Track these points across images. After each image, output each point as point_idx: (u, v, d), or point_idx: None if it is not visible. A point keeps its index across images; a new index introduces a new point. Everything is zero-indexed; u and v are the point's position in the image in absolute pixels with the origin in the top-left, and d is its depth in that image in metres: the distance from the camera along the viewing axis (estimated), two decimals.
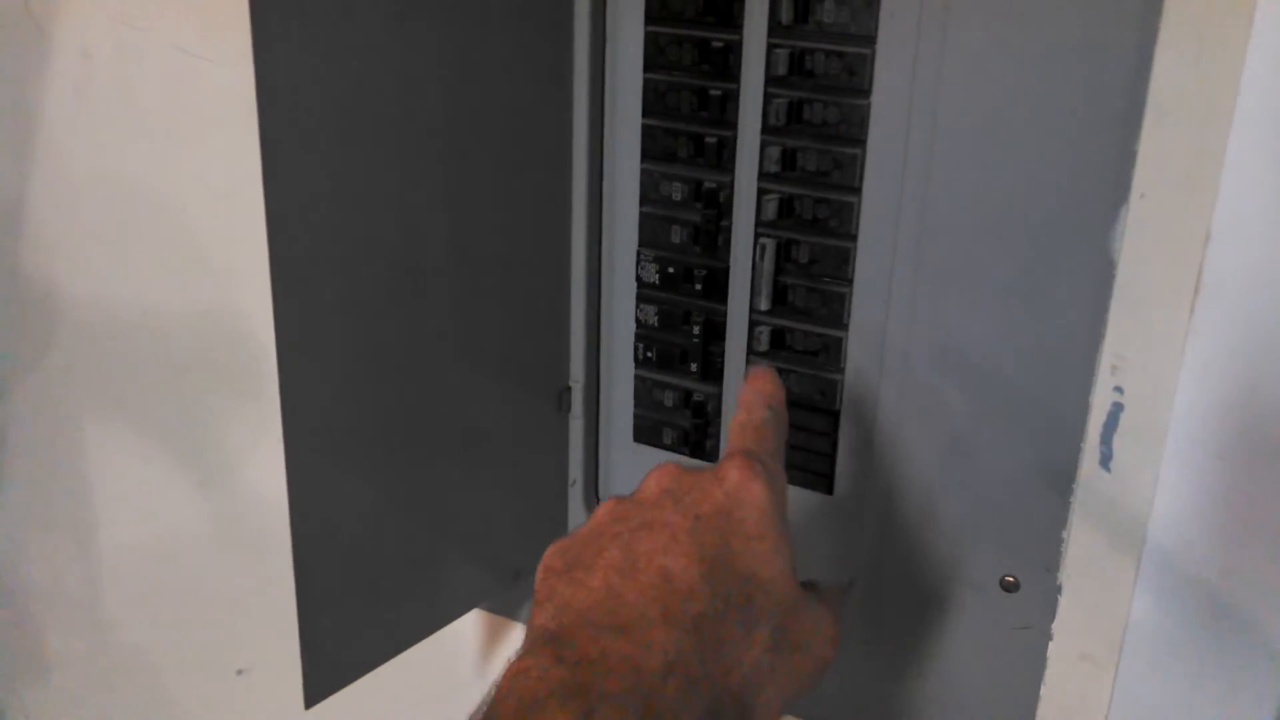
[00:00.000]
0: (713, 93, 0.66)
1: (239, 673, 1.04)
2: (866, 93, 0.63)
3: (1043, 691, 0.67)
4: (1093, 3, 0.56)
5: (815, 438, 0.70)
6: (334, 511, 0.64)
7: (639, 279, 0.72)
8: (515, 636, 0.86)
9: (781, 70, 0.64)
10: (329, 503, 0.64)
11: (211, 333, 0.92)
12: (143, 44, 0.86)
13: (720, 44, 0.65)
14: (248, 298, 0.87)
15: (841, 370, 0.68)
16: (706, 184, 0.68)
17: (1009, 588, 0.66)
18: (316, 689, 0.65)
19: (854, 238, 0.65)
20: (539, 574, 0.51)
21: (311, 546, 0.63)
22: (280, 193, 0.56)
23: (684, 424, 0.74)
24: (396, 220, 0.63)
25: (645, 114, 0.69)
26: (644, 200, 0.71)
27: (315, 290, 0.60)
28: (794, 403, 0.70)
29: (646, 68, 0.68)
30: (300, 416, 0.60)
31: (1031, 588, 0.65)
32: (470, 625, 0.87)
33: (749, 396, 0.58)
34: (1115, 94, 0.56)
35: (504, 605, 0.84)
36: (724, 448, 0.73)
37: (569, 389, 0.76)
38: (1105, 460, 0.61)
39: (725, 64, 0.66)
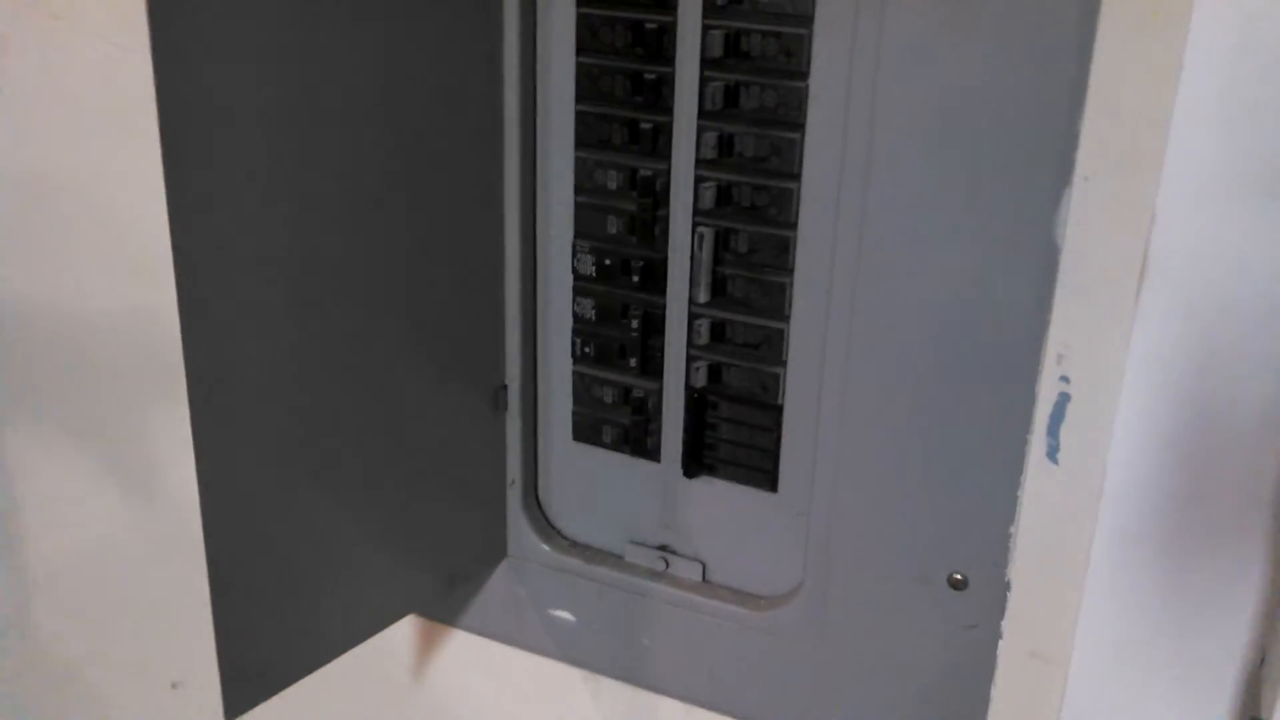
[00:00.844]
0: (647, 77, 0.64)
1: (174, 685, 1.01)
2: (804, 75, 0.61)
3: (994, 690, 0.65)
4: None
5: (758, 433, 0.68)
6: (252, 517, 0.61)
7: (575, 271, 0.70)
8: (449, 643, 0.84)
9: (717, 52, 0.62)
10: (246, 509, 0.61)
11: (138, 333, 0.89)
12: (62, 33, 0.83)
13: (654, 25, 0.63)
14: (169, 296, 0.84)
15: (784, 363, 0.66)
16: (642, 172, 0.66)
17: (957, 585, 0.64)
18: (238, 701, 0.62)
19: (794, 226, 0.63)
20: None
21: (227, 554, 0.60)
22: (183, 185, 0.54)
23: (624, 421, 0.72)
24: (319, 214, 0.60)
25: (579, 99, 0.67)
26: (579, 189, 0.69)
27: (227, 288, 0.57)
28: (736, 397, 0.68)
29: (579, 51, 0.66)
30: (213, 420, 0.58)
31: (980, 585, 0.63)
32: (406, 632, 0.85)
33: None
34: (1058, 75, 0.54)
35: (440, 611, 0.81)
36: (665, 445, 0.71)
37: (505, 387, 0.74)
38: (1052, 452, 0.60)
39: (660, 47, 0.64)
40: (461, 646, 0.83)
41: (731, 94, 0.63)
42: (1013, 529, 0.61)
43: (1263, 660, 0.56)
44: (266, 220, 0.58)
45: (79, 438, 0.97)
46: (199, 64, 0.53)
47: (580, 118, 0.67)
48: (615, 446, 0.73)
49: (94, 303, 0.90)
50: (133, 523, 0.96)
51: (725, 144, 0.64)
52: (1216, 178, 0.52)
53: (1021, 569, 0.62)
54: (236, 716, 0.62)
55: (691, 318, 0.68)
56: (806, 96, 0.61)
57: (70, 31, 0.82)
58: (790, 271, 0.64)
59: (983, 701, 0.65)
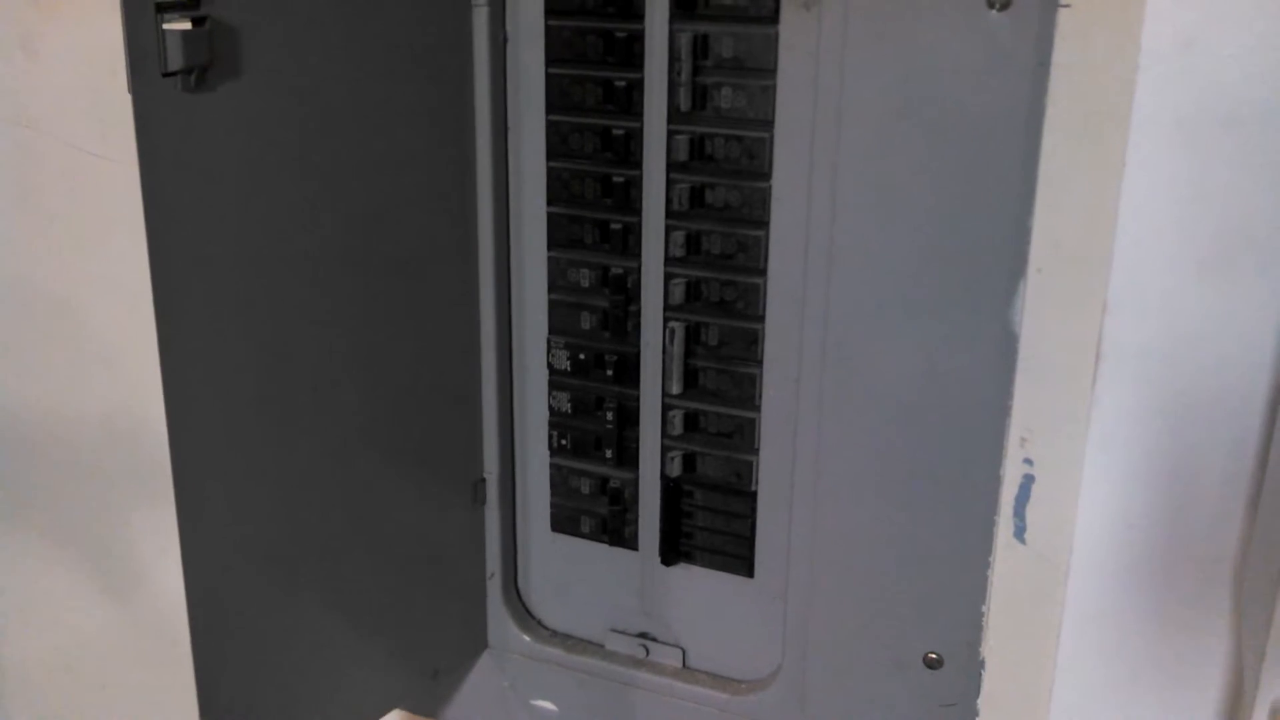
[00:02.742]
0: (616, 179, 0.67)
1: None
2: (767, 175, 0.63)
3: None
4: (983, 83, 0.57)
5: (734, 520, 0.70)
6: (237, 617, 0.62)
7: (550, 366, 0.72)
8: None
9: (683, 156, 0.64)
10: (230, 609, 0.61)
11: (116, 435, 0.90)
12: (37, 142, 0.84)
13: (621, 131, 0.66)
14: (150, 399, 0.85)
15: (756, 451, 0.68)
16: (613, 270, 0.68)
17: (933, 664, 0.65)
18: None
19: (761, 319, 0.65)
20: None
21: (212, 653, 0.60)
22: (169, 289, 0.55)
23: (601, 511, 0.73)
24: (298, 316, 0.62)
25: (550, 201, 0.69)
26: (552, 287, 0.70)
27: (213, 390, 0.59)
28: (710, 485, 0.70)
29: (549, 156, 0.68)
30: (197, 520, 0.59)
31: (956, 664, 0.65)
32: None
33: None
34: (1009, 170, 0.57)
35: (424, 704, 0.82)
36: (642, 533, 0.72)
37: (483, 480, 0.75)
38: (1019, 532, 0.61)
39: (627, 151, 0.66)
40: None
41: (697, 194, 0.65)
42: (985, 608, 0.63)
43: None
44: (246, 327, 0.59)
45: (61, 538, 0.97)
46: (182, 177, 0.55)
47: (552, 219, 0.69)
48: (594, 536, 0.74)
49: (75, 404, 0.91)
50: (112, 624, 0.96)
51: (693, 242, 0.66)
52: (1166, 261, 0.54)
53: (995, 647, 0.63)
54: None
55: (665, 409, 0.70)
56: (770, 195, 0.63)
57: (47, 142, 0.83)
58: (759, 362, 0.66)
59: None
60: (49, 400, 0.92)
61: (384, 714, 0.74)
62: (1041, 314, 0.57)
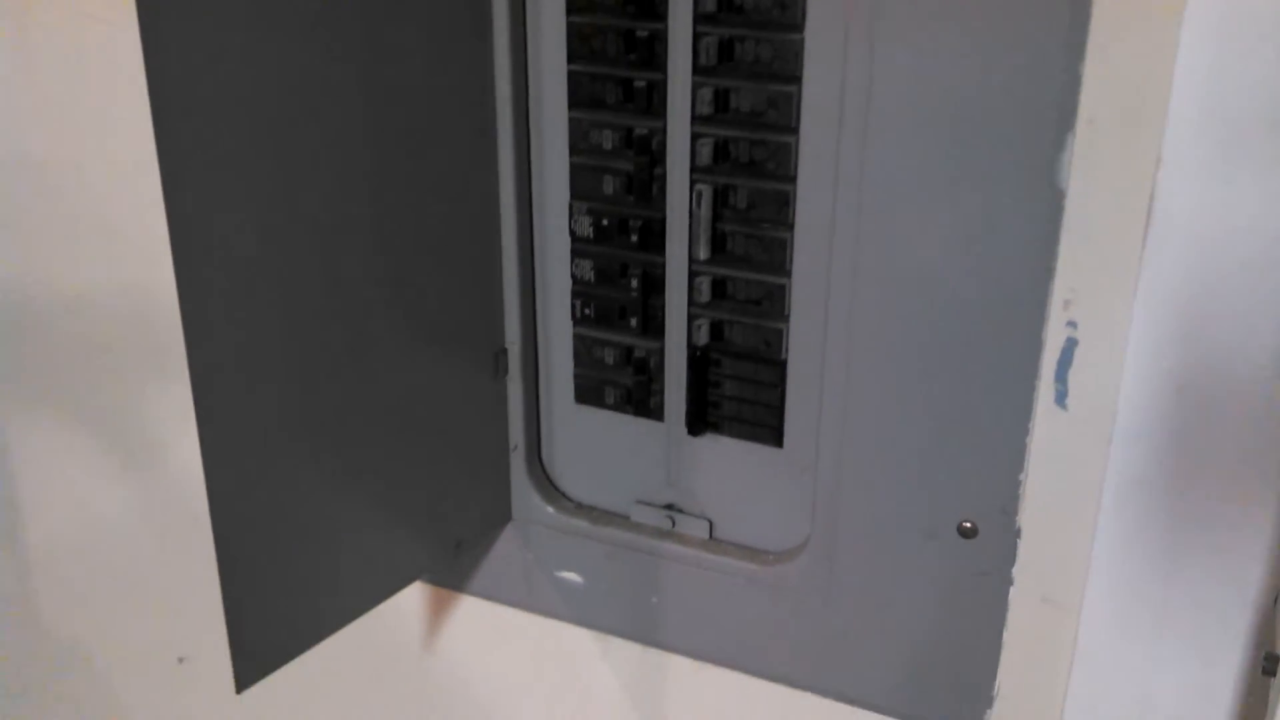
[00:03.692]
0: (640, 34, 0.63)
1: (180, 661, 1.01)
2: (799, 27, 0.60)
3: (1005, 637, 0.65)
4: None
5: (763, 389, 0.68)
6: (256, 490, 0.61)
7: (573, 233, 0.69)
8: (458, 608, 0.84)
9: (710, 7, 0.61)
10: (250, 482, 0.60)
11: (130, 311, 0.88)
12: (44, 11, 0.81)
13: None
14: (164, 272, 0.83)
15: (786, 318, 0.66)
16: (638, 130, 0.65)
17: (967, 533, 0.64)
18: (248, 673, 0.62)
19: (793, 180, 0.63)
20: None
21: (233, 528, 0.59)
22: (176, 160, 0.53)
23: (626, 382, 0.72)
24: (314, 184, 0.59)
25: (571, 59, 0.66)
26: (574, 150, 0.68)
27: (223, 263, 0.57)
28: (739, 354, 0.68)
29: (570, 11, 0.65)
30: (215, 395, 0.57)
31: (990, 532, 0.63)
32: (413, 598, 0.84)
33: None
34: (1060, 16, 0.54)
35: (447, 577, 0.81)
36: (668, 404, 0.71)
37: (505, 351, 0.73)
38: (1061, 398, 0.60)
39: (651, 4, 0.63)
40: (469, 611, 0.83)
41: (726, 48, 0.62)
42: (1022, 475, 0.61)
43: (1277, 599, 0.56)
44: (260, 193, 0.57)
45: (77, 417, 0.96)
46: (189, 39, 0.52)
47: (573, 78, 0.66)
48: (618, 407, 0.73)
49: (89, 281, 0.89)
50: (134, 500, 0.96)
51: (721, 99, 0.63)
52: (1223, 118, 0.51)
53: (1032, 515, 0.62)
54: (246, 688, 0.62)
55: (692, 276, 0.67)
56: (802, 48, 0.60)
57: (55, 10, 0.80)
58: (790, 226, 0.64)
59: (994, 649, 0.66)
60: (57, 276, 0.90)
61: (406, 585, 0.73)
62: (1091, 169, 0.55)
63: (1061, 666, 0.64)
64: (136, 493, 0.96)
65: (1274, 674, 0.52)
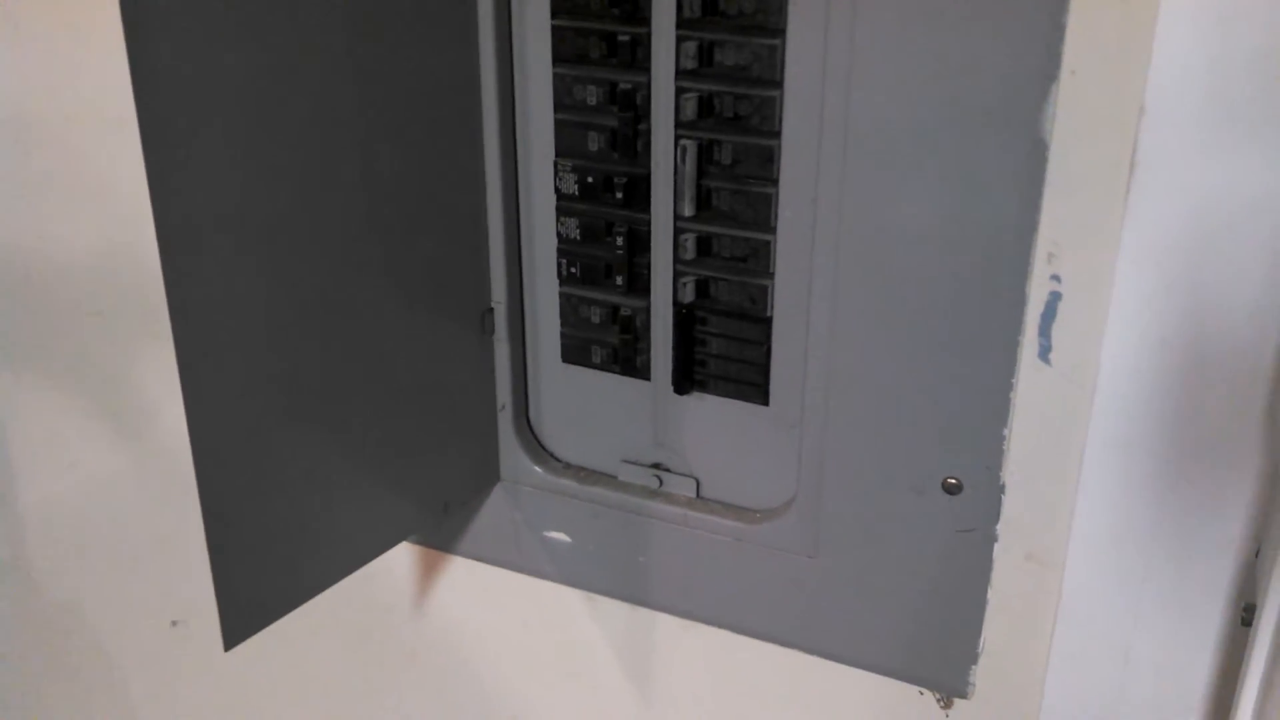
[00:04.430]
0: None
1: (174, 624, 1.01)
2: None
3: (989, 594, 0.65)
4: None
5: (748, 347, 0.68)
6: (243, 449, 0.61)
7: (558, 190, 0.69)
8: (446, 569, 0.84)
9: None
10: (236, 441, 0.60)
11: (118, 271, 0.88)
12: None
13: None
14: (145, 231, 0.83)
15: (771, 275, 0.66)
16: (622, 85, 0.65)
17: (952, 490, 0.64)
18: (236, 630, 0.62)
19: (777, 135, 0.62)
20: None
21: (219, 485, 0.59)
22: (158, 113, 0.52)
23: (613, 341, 0.71)
24: (297, 143, 0.59)
25: (554, 14, 0.65)
26: (558, 106, 0.67)
27: (206, 221, 0.56)
28: (724, 311, 0.68)
29: None
30: (199, 355, 0.57)
31: (975, 488, 0.63)
32: (401, 558, 0.85)
33: None
34: None
35: (434, 538, 0.81)
36: (655, 363, 0.71)
37: (491, 310, 0.73)
38: (1044, 353, 0.59)
39: None
40: (457, 571, 0.83)
41: (710, 3, 0.61)
42: (1006, 431, 0.61)
43: (1258, 552, 0.56)
44: (243, 152, 0.57)
45: (68, 379, 0.96)
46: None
47: (557, 32, 0.66)
48: (605, 366, 0.72)
49: (79, 243, 0.89)
50: (125, 462, 0.96)
51: (705, 54, 0.62)
52: (1205, 67, 0.51)
53: (1015, 471, 0.62)
54: (234, 645, 0.62)
55: (677, 233, 0.67)
56: (787, 1, 0.60)
57: None
58: (775, 182, 0.64)
59: (979, 605, 0.66)
60: (46, 238, 0.90)
61: (393, 545, 0.73)
62: (1074, 120, 0.54)
63: (1045, 622, 0.64)
64: (128, 455, 0.96)
65: (1251, 624, 0.52)
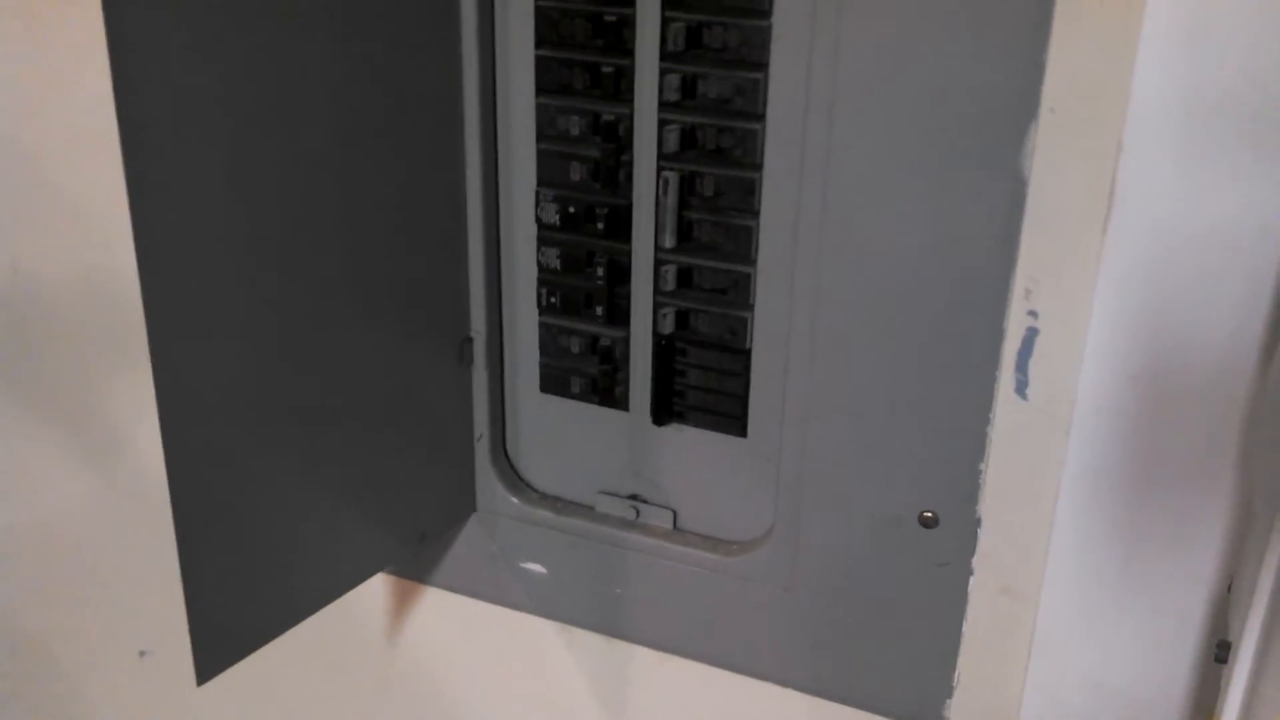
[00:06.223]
0: (608, 18, 0.63)
1: (141, 654, 1.00)
2: (767, 13, 0.60)
3: (965, 628, 0.65)
4: None
5: (727, 379, 0.68)
6: (219, 480, 0.60)
7: (539, 220, 0.69)
8: (421, 600, 0.83)
9: None
10: (212, 471, 0.60)
11: (92, 296, 0.87)
12: None
13: None
14: (126, 258, 0.82)
15: (751, 307, 0.66)
16: (605, 116, 0.65)
17: (928, 523, 0.64)
18: (209, 665, 0.61)
19: (759, 167, 0.63)
20: None
21: (194, 517, 0.59)
22: (140, 142, 0.52)
23: (592, 371, 0.71)
24: (278, 170, 0.59)
25: (539, 44, 0.66)
26: (541, 136, 0.68)
27: (187, 249, 0.56)
28: (704, 343, 0.68)
29: None
30: (176, 382, 0.56)
31: (951, 522, 0.64)
32: (377, 590, 0.84)
33: None
34: (1023, 6, 0.54)
35: (410, 568, 0.81)
36: (633, 393, 0.71)
37: (470, 340, 0.73)
38: (1021, 387, 0.60)
39: None
40: (433, 603, 0.83)
41: (694, 35, 0.62)
42: (982, 465, 0.62)
43: (1230, 586, 0.57)
44: (222, 180, 0.56)
45: (37, 405, 0.95)
46: (156, 17, 0.52)
47: (540, 62, 0.66)
48: (583, 397, 0.72)
49: (48, 263, 0.88)
50: (94, 491, 0.95)
51: (688, 86, 0.63)
52: (1183, 107, 0.52)
53: (992, 505, 0.62)
54: (207, 680, 0.61)
55: (658, 264, 0.67)
56: (770, 35, 0.60)
57: None
58: (756, 214, 0.64)
59: (955, 638, 0.66)
60: (22, 260, 0.89)
61: (369, 577, 0.73)
62: (1053, 156, 0.55)
63: (1020, 655, 0.64)
64: (98, 484, 0.95)
65: (1226, 661, 0.52)
